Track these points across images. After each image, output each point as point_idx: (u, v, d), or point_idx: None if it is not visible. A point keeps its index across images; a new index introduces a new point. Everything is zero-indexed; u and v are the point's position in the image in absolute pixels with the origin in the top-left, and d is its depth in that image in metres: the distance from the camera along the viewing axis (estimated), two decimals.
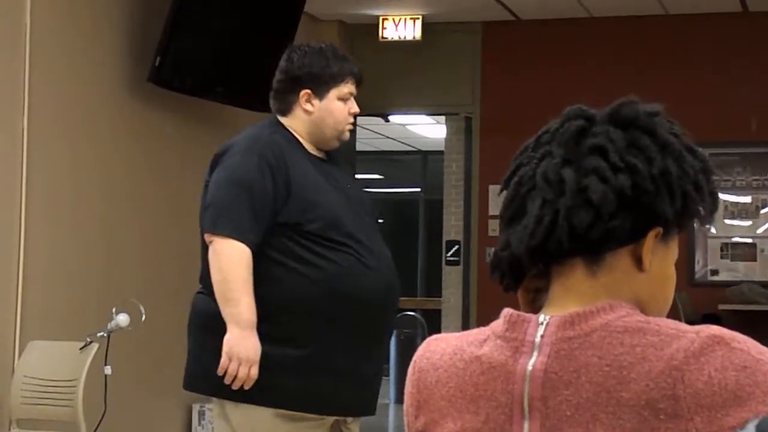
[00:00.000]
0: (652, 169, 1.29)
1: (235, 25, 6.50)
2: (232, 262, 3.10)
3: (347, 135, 3.40)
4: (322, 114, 3.32)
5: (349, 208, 3.29)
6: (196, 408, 6.63)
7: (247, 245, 3.11)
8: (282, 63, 3.40)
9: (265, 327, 3.14)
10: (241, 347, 3.09)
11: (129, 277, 6.09)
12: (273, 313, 3.15)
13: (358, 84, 3.40)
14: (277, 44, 6.83)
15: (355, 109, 3.40)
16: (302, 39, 7.20)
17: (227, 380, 3.11)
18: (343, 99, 3.34)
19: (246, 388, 3.12)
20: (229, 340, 3.09)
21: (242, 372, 3.10)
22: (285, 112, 3.36)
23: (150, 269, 6.33)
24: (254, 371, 3.11)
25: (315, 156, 3.35)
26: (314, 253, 3.18)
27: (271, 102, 3.43)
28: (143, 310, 4.95)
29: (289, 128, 3.34)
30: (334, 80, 3.32)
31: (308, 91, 3.31)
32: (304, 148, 3.33)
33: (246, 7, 6.54)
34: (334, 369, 3.19)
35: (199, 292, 3.33)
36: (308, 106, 3.32)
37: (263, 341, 3.12)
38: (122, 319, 4.90)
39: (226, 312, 3.11)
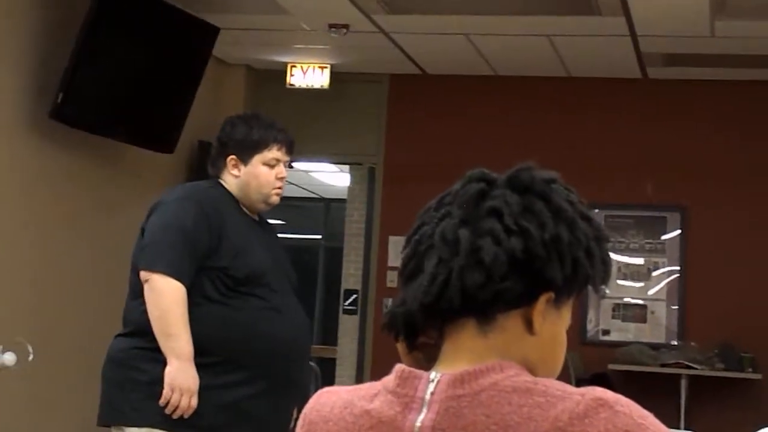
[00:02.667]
0: (544, 234, 1.32)
1: (141, 64, 6.46)
2: (170, 298, 3.32)
3: (275, 199, 3.62)
4: (247, 178, 3.57)
5: (273, 266, 3.53)
6: None
7: (182, 283, 3.34)
8: (217, 133, 3.66)
9: None
10: (182, 379, 3.30)
11: (20, 315, 5.95)
12: (196, 343, 3.34)
13: (289, 149, 3.65)
14: (183, 86, 6.83)
15: (282, 173, 3.62)
16: (209, 82, 7.20)
17: (169, 410, 3.30)
18: (268, 164, 3.58)
19: (185, 417, 3.31)
20: (170, 372, 3.30)
21: (184, 402, 3.30)
22: (219, 176, 3.63)
23: (45, 309, 6.20)
24: (194, 401, 3.31)
25: (249, 217, 3.61)
26: (236, 295, 3.42)
27: (209, 168, 3.68)
28: (31, 350, 4.85)
29: (227, 188, 3.60)
30: (257, 147, 3.57)
31: (234, 156, 3.58)
32: (239, 206, 3.58)
33: (153, 47, 6.50)
34: (236, 405, 3.39)
35: (118, 335, 3.48)
36: (235, 171, 3.58)
37: None
38: (8, 358, 4.80)
39: (166, 346, 3.31)
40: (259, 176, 3.57)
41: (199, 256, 3.38)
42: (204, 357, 3.38)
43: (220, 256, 3.41)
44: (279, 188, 3.62)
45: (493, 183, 1.38)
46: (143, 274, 3.37)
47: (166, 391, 3.30)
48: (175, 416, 3.31)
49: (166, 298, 3.31)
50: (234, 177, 3.58)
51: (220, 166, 3.62)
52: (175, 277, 3.32)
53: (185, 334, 3.30)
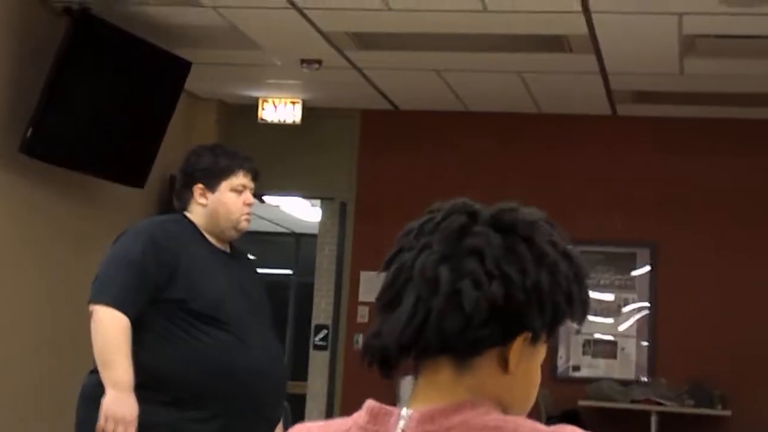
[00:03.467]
0: (525, 281, 1.31)
1: (113, 98, 6.44)
2: (109, 328, 3.31)
3: (244, 224, 3.64)
4: (215, 206, 3.59)
5: (239, 297, 3.52)
6: None
7: (125, 314, 3.32)
8: (181, 165, 3.67)
9: (146, 393, 3.32)
10: (117, 408, 3.27)
11: None
12: (155, 379, 3.36)
13: (255, 177, 3.69)
14: (154, 120, 6.81)
15: (249, 200, 3.65)
16: (181, 117, 7.19)
17: None
18: (235, 190, 3.61)
19: None
20: (106, 402, 3.28)
21: (119, 431, 3.26)
22: (185, 207, 3.63)
23: (13, 344, 6.14)
24: (131, 431, 3.28)
25: (217, 248, 3.60)
26: (196, 328, 3.40)
27: (174, 201, 3.69)
28: None
29: (192, 221, 3.60)
30: (224, 173, 3.60)
31: (201, 185, 3.60)
32: (205, 239, 3.58)
33: (125, 81, 6.49)
34: None
35: (92, 371, 3.46)
36: (202, 200, 3.59)
37: (144, 404, 3.31)
38: None
39: (104, 376, 3.31)
40: (227, 203, 3.59)
41: (148, 288, 3.37)
42: (165, 392, 3.36)
43: (175, 288, 3.40)
44: (248, 214, 3.64)
45: (475, 216, 1.36)
46: (90, 307, 3.38)
47: (101, 421, 3.27)
48: None
49: (105, 328, 3.31)
50: (201, 206, 3.59)
51: (186, 198, 3.62)
52: (118, 309, 3.32)
53: (123, 363, 3.29)
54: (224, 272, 3.55)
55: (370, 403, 1.36)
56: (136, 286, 3.36)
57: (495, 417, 1.29)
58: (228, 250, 3.66)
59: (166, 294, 3.40)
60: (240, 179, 3.62)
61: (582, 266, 1.38)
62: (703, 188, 7.85)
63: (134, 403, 3.30)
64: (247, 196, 3.64)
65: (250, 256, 3.89)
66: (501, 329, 1.31)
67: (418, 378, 1.36)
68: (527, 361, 1.36)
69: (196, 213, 3.60)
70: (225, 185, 3.60)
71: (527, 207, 1.39)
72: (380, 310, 1.37)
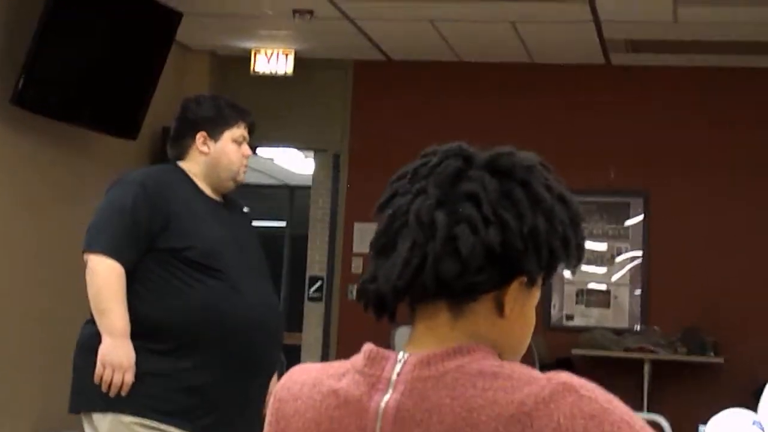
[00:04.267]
0: (522, 227, 1.31)
1: (104, 49, 6.41)
2: (104, 276, 3.32)
3: (242, 176, 3.64)
4: (217, 155, 3.57)
5: (233, 247, 3.51)
6: None
7: (120, 262, 3.33)
8: (178, 112, 3.64)
9: (141, 342, 3.34)
10: (114, 355, 3.28)
11: None
12: (151, 329, 3.35)
13: (251, 131, 3.67)
14: (146, 71, 6.78)
15: (248, 152, 3.65)
16: (173, 68, 7.15)
17: (104, 388, 3.30)
18: (236, 141, 3.61)
19: (123, 394, 3.30)
20: (102, 349, 3.29)
21: (116, 378, 3.29)
22: (182, 156, 3.60)
23: (7, 295, 6.15)
24: (128, 377, 3.30)
25: (210, 198, 3.58)
26: (191, 277, 3.39)
27: (169, 150, 3.65)
28: None
29: (187, 171, 3.57)
30: (228, 123, 3.59)
31: (204, 133, 3.57)
32: (198, 188, 3.56)
33: (115, 32, 6.45)
34: (202, 388, 3.38)
35: (88, 321, 3.45)
36: (204, 148, 3.57)
37: (139, 354, 3.33)
38: None
39: (100, 324, 3.33)
40: (229, 153, 3.57)
41: (141, 236, 3.37)
42: (161, 341, 3.36)
43: (169, 237, 3.40)
44: (245, 166, 3.64)
45: (471, 161, 1.36)
46: (84, 256, 3.39)
47: (98, 368, 3.29)
48: (111, 394, 3.29)
49: (100, 277, 3.32)
50: (202, 155, 3.56)
51: (186, 146, 3.59)
52: (111, 256, 3.32)
53: (118, 310, 3.30)
54: (218, 222, 3.54)
55: (368, 347, 1.37)
56: (128, 234, 3.36)
57: (491, 362, 1.30)
58: (220, 200, 3.65)
59: (159, 243, 3.39)
60: (241, 130, 3.62)
61: (577, 210, 1.38)
62: (696, 137, 7.84)
63: (131, 349, 3.31)
64: (246, 148, 3.64)
65: (245, 209, 3.88)
66: (497, 274, 1.32)
67: (414, 323, 1.37)
68: (522, 305, 1.37)
69: (195, 162, 3.58)
70: (227, 135, 3.58)
71: (523, 151, 1.39)
72: (375, 255, 1.37)
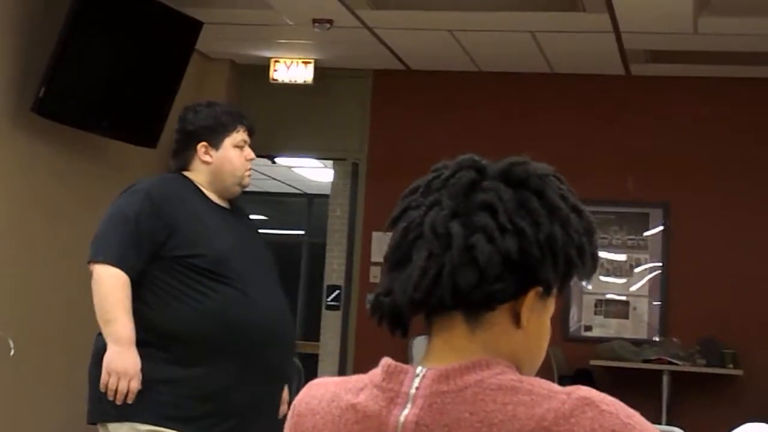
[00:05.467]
0: (539, 234, 1.31)
1: (124, 58, 6.43)
2: (109, 285, 3.33)
3: (247, 180, 3.65)
4: (220, 162, 3.59)
5: (243, 253, 3.51)
6: None
7: (124, 271, 3.35)
8: (178, 125, 3.65)
9: (152, 351, 3.36)
10: (119, 362, 3.30)
11: (1, 311, 5.92)
12: (163, 337, 3.38)
13: (251, 133, 3.67)
14: (166, 80, 6.80)
15: (251, 155, 3.65)
16: (192, 77, 7.18)
17: (109, 395, 3.31)
18: (237, 146, 3.61)
19: (129, 401, 3.31)
20: (107, 357, 3.31)
21: (122, 386, 3.30)
22: (186, 167, 3.61)
23: (26, 304, 6.17)
24: (134, 384, 3.31)
25: (218, 205, 3.60)
26: (201, 284, 3.40)
27: (172, 163, 3.67)
28: (12, 345, 4.83)
29: (192, 180, 3.58)
30: (227, 129, 3.59)
31: (204, 143, 3.58)
32: (205, 196, 3.57)
33: (136, 41, 6.47)
34: (215, 395, 3.38)
35: (100, 333, 3.46)
36: (206, 158, 3.58)
37: (150, 362, 3.34)
38: None
39: (105, 332, 3.34)
40: (232, 159, 3.59)
41: (145, 245, 3.38)
42: (174, 349, 3.36)
43: (176, 245, 3.40)
44: (249, 169, 3.65)
45: (484, 172, 1.35)
46: (89, 266, 3.40)
47: (103, 376, 3.31)
48: (117, 401, 3.30)
49: (105, 286, 3.33)
50: (205, 164, 3.57)
51: (188, 157, 3.60)
52: (116, 266, 3.34)
53: (123, 319, 3.31)
54: (226, 228, 3.55)
55: (386, 361, 1.36)
56: (133, 243, 3.37)
57: (510, 377, 1.29)
58: (228, 206, 3.65)
59: (167, 251, 3.41)
60: (241, 135, 3.62)
61: (591, 220, 1.38)
62: (717, 148, 7.81)
63: (136, 357, 3.32)
64: (249, 151, 3.64)
65: (254, 216, 3.87)
66: (514, 283, 1.31)
67: (431, 335, 1.36)
68: (538, 316, 1.36)
69: (199, 171, 3.59)
70: (228, 142, 3.59)
71: (536, 161, 1.38)
72: (390, 269, 1.36)
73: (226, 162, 3.58)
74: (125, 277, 3.34)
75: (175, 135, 3.68)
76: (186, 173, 3.60)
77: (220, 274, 3.41)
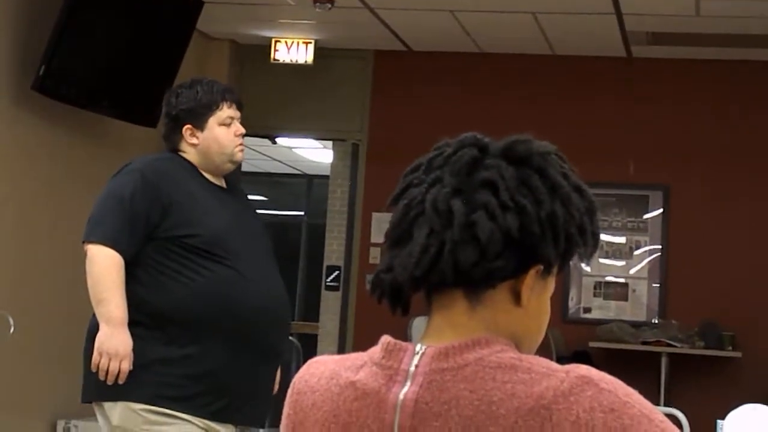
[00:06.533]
0: (540, 212, 1.31)
1: (125, 38, 6.42)
2: (102, 265, 3.33)
3: (239, 156, 3.61)
4: (207, 143, 3.55)
5: (239, 232, 3.49)
6: (60, 425, 6.48)
7: (118, 251, 3.34)
8: (163, 108, 3.61)
9: (147, 330, 3.36)
10: (111, 343, 3.29)
11: (0, 289, 5.92)
12: (157, 317, 3.36)
13: (239, 106, 3.62)
14: (167, 60, 6.79)
15: (240, 130, 3.60)
16: (193, 56, 7.16)
17: (101, 376, 3.30)
18: (224, 124, 3.56)
19: (120, 382, 3.31)
20: (99, 337, 3.31)
21: (113, 366, 3.29)
22: (176, 150, 3.58)
23: (25, 283, 6.17)
24: (125, 365, 3.30)
25: (213, 184, 3.57)
26: (197, 264, 3.38)
27: (165, 145, 3.64)
28: (12, 322, 4.84)
29: (188, 159, 3.56)
30: (209, 108, 3.54)
31: (189, 125, 3.54)
32: (200, 175, 3.54)
33: (137, 20, 6.46)
34: (209, 374, 3.37)
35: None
36: (193, 140, 3.55)
37: (145, 342, 3.34)
38: None
39: (97, 312, 3.34)
40: (218, 138, 3.54)
41: (140, 225, 3.36)
42: (168, 329, 3.35)
43: (171, 225, 3.39)
44: (241, 144, 3.59)
45: (486, 150, 1.35)
46: (84, 246, 3.39)
47: (95, 356, 3.30)
48: (109, 381, 3.30)
49: (98, 266, 3.32)
50: (193, 146, 3.54)
51: (175, 140, 3.57)
52: (110, 246, 3.32)
53: (116, 299, 3.30)
54: (222, 207, 3.52)
55: (385, 339, 1.36)
56: (127, 223, 3.35)
57: (510, 355, 1.29)
58: (224, 185, 3.63)
59: (161, 231, 3.38)
60: (225, 112, 3.56)
61: (592, 199, 1.38)
62: (718, 132, 7.81)
63: (127, 337, 3.30)
64: (237, 127, 3.58)
65: (253, 197, 3.83)
66: (515, 261, 1.31)
67: (431, 313, 1.36)
68: (538, 294, 1.36)
69: (189, 153, 3.56)
70: (212, 121, 3.54)
71: (538, 140, 1.38)
72: (390, 246, 1.36)
73: (213, 142, 3.53)
74: (119, 257, 3.33)
75: (162, 119, 3.66)
76: (180, 153, 3.59)
77: (215, 254, 3.39)
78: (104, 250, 3.32)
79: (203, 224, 3.41)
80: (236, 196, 3.67)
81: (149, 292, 3.37)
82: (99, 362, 3.30)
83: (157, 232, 3.38)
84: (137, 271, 3.37)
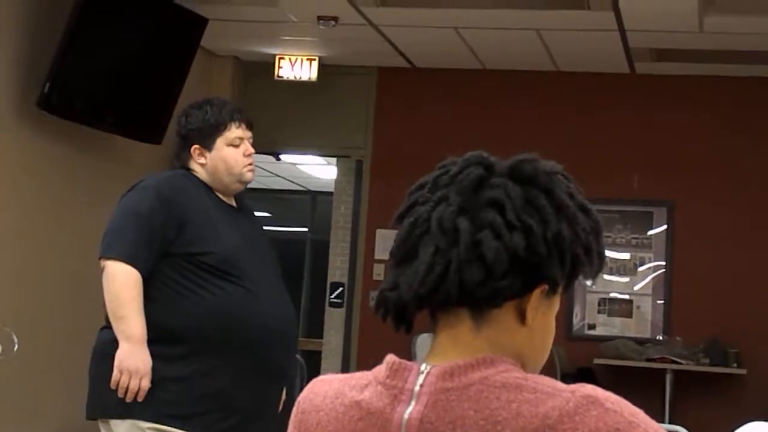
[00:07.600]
0: (546, 232, 1.31)
1: (130, 54, 6.43)
2: (121, 282, 3.32)
3: (249, 176, 3.61)
4: (215, 163, 3.56)
5: (249, 251, 3.50)
6: None
7: (136, 268, 3.33)
8: (176, 128, 3.64)
9: (156, 348, 3.34)
10: (131, 360, 3.29)
11: (6, 306, 5.92)
12: (168, 334, 3.36)
13: (249, 126, 3.62)
14: (171, 77, 6.80)
15: (249, 150, 3.60)
16: (197, 73, 7.18)
17: (120, 393, 3.30)
18: (232, 144, 3.57)
19: (139, 400, 3.31)
20: (119, 355, 3.30)
21: (133, 384, 3.29)
22: (187, 168, 3.59)
23: (31, 300, 6.17)
24: (145, 383, 3.30)
25: (224, 202, 3.58)
26: (208, 282, 3.38)
27: (175, 163, 3.67)
28: (16, 340, 4.83)
29: (199, 177, 3.58)
30: (217, 129, 3.55)
31: (197, 145, 3.56)
32: (212, 193, 3.56)
33: (142, 37, 6.48)
34: (217, 393, 3.37)
35: (103, 328, 3.45)
36: (201, 160, 3.56)
37: (154, 359, 3.33)
38: None
39: (117, 330, 3.32)
40: (226, 158, 3.54)
41: (157, 242, 3.36)
42: (178, 347, 3.35)
43: (185, 242, 3.39)
44: (250, 164, 3.59)
45: (492, 169, 1.35)
46: (101, 262, 3.38)
47: (115, 374, 3.30)
48: (128, 399, 3.29)
49: (117, 283, 3.31)
50: (201, 166, 3.56)
51: (185, 159, 3.59)
52: (128, 262, 3.32)
53: (136, 316, 3.30)
54: (233, 226, 3.53)
55: (390, 358, 1.36)
56: (145, 240, 3.35)
57: (515, 375, 1.29)
58: (234, 204, 3.64)
59: (175, 248, 3.39)
60: (234, 132, 3.56)
61: (598, 219, 1.38)
62: (722, 148, 7.81)
63: (147, 355, 3.31)
64: (246, 147, 3.58)
65: (257, 213, 3.84)
66: (520, 280, 1.31)
67: (436, 332, 1.36)
68: (543, 314, 1.36)
69: (199, 172, 3.57)
70: (221, 142, 3.55)
71: (545, 159, 1.38)
72: (395, 264, 1.36)
73: (220, 162, 3.54)
74: (137, 274, 3.32)
75: (175, 138, 3.69)
76: (191, 171, 3.60)
77: (226, 272, 3.39)
78: (122, 267, 3.32)
79: (216, 242, 3.42)
80: (246, 216, 3.68)
81: (160, 310, 3.36)
82: (119, 380, 3.29)
83: (172, 248, 3.39)
84: (148, 287, 3.36)
